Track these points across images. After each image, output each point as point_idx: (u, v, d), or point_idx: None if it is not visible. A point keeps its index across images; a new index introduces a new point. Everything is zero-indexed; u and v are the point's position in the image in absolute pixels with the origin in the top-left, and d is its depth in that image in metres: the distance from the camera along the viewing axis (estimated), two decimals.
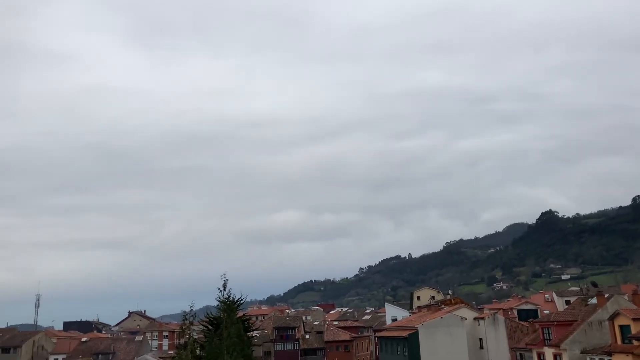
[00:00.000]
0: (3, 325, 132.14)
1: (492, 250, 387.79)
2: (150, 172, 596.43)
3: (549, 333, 54.43)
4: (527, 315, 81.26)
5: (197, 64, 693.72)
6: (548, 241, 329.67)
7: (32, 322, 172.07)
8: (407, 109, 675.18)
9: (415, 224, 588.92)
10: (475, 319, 70.74)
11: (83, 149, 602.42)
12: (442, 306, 78.34)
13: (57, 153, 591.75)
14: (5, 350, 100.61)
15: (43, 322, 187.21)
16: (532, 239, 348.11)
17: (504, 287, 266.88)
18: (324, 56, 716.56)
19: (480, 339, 68.86)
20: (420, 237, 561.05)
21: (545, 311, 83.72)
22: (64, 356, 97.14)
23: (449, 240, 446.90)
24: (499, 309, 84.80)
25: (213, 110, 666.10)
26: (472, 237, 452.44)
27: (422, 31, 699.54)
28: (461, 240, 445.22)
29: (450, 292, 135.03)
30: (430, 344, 65.37)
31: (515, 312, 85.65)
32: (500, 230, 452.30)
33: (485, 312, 79.91)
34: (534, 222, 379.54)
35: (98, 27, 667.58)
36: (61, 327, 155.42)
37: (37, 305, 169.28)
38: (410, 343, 66.92)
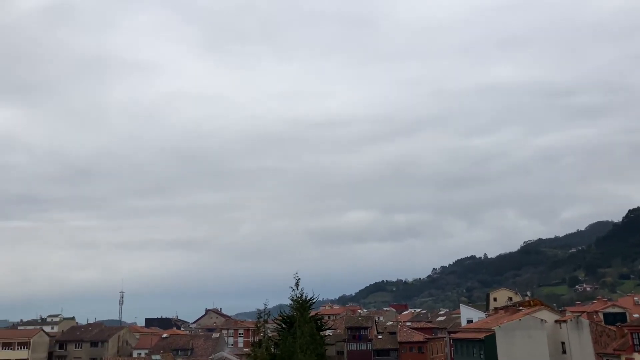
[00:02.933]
0: (91, 320, 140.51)
1: (573, 250, 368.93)
2: (224, 174, 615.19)
3: (639, 338, 50.98)
4: (615, 319, 76.61)
5: (267, 69, 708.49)
6: (636, 241, 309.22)
7: (117, 318, 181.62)
8: (480, 105, 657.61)
9: (490, 223, 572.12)
10: (556, 322, 67.44)
11: (162, 154, 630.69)
12: (521, 308, 75.28)
13: (139, 158, 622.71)
14: (94, 344, 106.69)
15: (126, 318, 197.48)
16: (618, 238, 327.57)
17: (588, 289, 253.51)
18: (392, 55, 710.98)
19: (563, 343, 65.56)
20: (496, 237, 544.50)
21: (634, 315, 78.54)
22: (146, 351, 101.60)
23: (526, 240, 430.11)
24: (583, 312, 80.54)
25: (284, 112, 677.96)
26: (552, 237, 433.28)
27: (493, 25, 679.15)
28: (540, 239, 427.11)
29: (528, 293, 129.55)
30: (508, 347, 62.96)
31: (601, 315, 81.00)
32: (583, 229, 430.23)
33: (567, 314, 76.12)
34: (620, 220, 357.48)
35: (175, 38, 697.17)
36: (143, 323, 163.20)
37: (121, 302, 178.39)
38: (487, 345, 64.78)
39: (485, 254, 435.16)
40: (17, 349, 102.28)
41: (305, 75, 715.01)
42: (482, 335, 66.96)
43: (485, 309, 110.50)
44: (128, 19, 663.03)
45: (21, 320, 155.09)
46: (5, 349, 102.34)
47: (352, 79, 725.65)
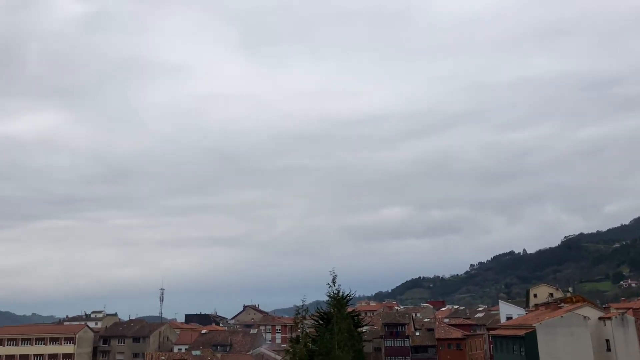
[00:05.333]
0: (133, 317, 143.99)
1: (617, 244, 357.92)
2: (259, 172, 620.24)
3: None
4: None
5: (300, 67, 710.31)
6: None
7: (157, 314, 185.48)
8: (517, 99, 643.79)
9: (529, 218, 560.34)
10: (600, 318, 65.59)
11: (199, 154, 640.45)
12: (562, 304, 73.55)
13: (176, 158, 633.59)
14: (136, 339, 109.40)
15: (167, 314, 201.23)
16: None
17: (633, 285, 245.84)
18: (426, 51, 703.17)
19: (607, 341, 63.79)
20: (536, 232, 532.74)
21: None
22: (186, 347, 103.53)
23: (567, 235, 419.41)
24: (628, 309, 77.97)
25: (317, 110, 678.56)
26: (594, 231, 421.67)
27: (529, 17, 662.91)
28: (581, 234, 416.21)
29: (570, 289, 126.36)
30: (550, 344, 61.64)
31: None
32: (627, 223, 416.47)
33: (611, 311, 73.92)
34: None
35: (209, 39, 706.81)
36: (183, 319, 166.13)
37: (161, 299, 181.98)
38: (527, 343, 63.61)
39: (524, 250, 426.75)
40: (64, 343, 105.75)
41: (338, 73, 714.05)
42: (522, 332, 65.78)
43: (525, 305, 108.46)
44: (163, 23, 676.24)
45: (67, 316, 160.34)
46: (52, 343, 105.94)
47: (385, 76, 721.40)
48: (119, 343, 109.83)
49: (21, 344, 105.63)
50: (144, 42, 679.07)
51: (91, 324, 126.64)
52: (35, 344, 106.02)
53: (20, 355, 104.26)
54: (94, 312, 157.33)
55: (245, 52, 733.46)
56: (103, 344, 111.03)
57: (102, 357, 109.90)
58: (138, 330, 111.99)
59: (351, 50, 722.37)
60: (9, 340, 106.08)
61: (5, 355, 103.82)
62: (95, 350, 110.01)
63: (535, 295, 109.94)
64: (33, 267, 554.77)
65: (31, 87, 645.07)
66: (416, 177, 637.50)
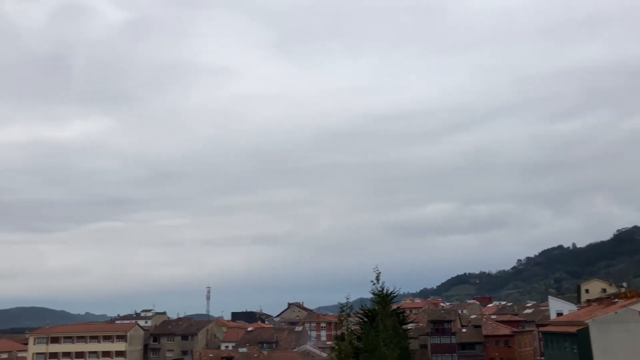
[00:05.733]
0: (181, 315, 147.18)
1: None
2: (300, 170, 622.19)
3: None
4: None
5: (338, 65, 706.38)
6: None
7: (204, 312, 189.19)
8: (564, 89, 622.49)
9: (578, 211, 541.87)
10: None
11: (240, 154, 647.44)
12: (616, 300, 70.96)
13: (218, 159, 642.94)
14: (184, 337, 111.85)
15: (213, 312, 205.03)
16: None
17: None
18: (466, 43, 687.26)
19: None
20: (586, 225, 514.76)
21: None
22: (233, 344, 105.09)
23: (620, 228, 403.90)
24: None
25: (357, 107, 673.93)
26: None
27: (575, 3, 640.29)
28: (635, 227, 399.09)
29: (624, 284, 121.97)
30: (604, 341, 59.55)
31: None
32: None
33: None
34: None
35: (247, 41, 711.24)
36: (229, 317, 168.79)
37: (208, 297, 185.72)
38: (580, 340, 61.70)
39: (573, 244, 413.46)
40: (116, 341, 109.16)
41: (377, 69, 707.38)
42: (574, 329, 63.85)
43: (577, 301, 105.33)
44: (203, 27, 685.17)
45: (118, 315, 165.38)
46: (105, 341, 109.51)
47: (426, 70, 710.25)
48: (168, 341, 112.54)
49: (76, 342, 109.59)
50: (186, 46, 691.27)
51: (141, 322, 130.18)
52: (90, 342, 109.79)
53: (76, 352, 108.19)
54: (143, 310, 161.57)
55: (283, 51, 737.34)
56: (153, 341, 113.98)
57: (153, 355, 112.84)
58: (186, 328, 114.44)
59: (390, 45, 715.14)
60: (65, 338, 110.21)
61: (62, 353, 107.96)
62: (145, 348, 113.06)
63: (587, 291, 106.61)
64: (85, 268, 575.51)
65: (79, 94, 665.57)
66: (460, 171, 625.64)
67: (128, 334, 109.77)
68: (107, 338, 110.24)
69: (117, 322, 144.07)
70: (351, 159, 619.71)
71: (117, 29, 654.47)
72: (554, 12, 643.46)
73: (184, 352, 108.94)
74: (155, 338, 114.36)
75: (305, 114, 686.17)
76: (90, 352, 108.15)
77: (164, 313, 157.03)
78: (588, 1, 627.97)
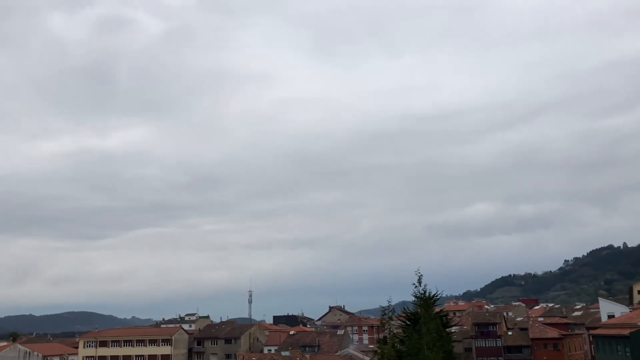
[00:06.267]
0: (224, 319, 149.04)
1: None
2: (340, 173, 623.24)
3: None
4: None
5: (376, 66, 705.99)
6: None
7: (247, 316, 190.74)
8: (611, 83, 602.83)
9: (629, 209, 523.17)
10: None
11: (280, 158, 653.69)
12: None
13: (259, 163, 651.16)
14: (228, 341, 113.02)
15: (255, 315, 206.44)
16: None
17: None
18: (507, 39, 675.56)
19: None
20: (637, 224, 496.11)
21: None
22: (276, 347, 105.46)
23: None
24: None
25: (396, 107, 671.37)
26: None
27: None
28: None
29: None
30: None
31: None
32: None
33: None
34: None
35: (284, 46, 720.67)
36: (271, 321, 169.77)
37: (250, 301, 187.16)
38: (633, 343, 59.24)
39: (624, 243, 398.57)
40: (162, 345, 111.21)
41: (416, 69, 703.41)
42: (627, 332, 61.40)
43: (629, 302, 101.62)
44: (242, 33, 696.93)
45: (163, 319, 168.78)
46: (151, 345, 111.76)
47: (465, 68, 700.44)
48: (212, 344, 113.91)
49: (123, 346, 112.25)
50: (225, 53, 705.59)
51: (185, 326, 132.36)
52: (136, 346, 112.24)
53: (123, 356, 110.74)
54: (187, 314, 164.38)
55: (321, 54, 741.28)
56: (197, 345, 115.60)
57: (197, 358, 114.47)
58: (229, 332, 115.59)
59: (428, 44, 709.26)
60: (113, 342, 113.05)
61: (110, 356, 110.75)
62: (190, 352, 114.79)
63: (639, 292, 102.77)
64: (130, 273, 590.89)
65: (123, 104, 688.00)
66: (503, 170, 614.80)
67: (173, 337, 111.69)
68: (152, 342, 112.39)
69: (162, 326, 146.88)
70: (391, 159, 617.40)
71: (157, 39, 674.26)
72: (597, 4, 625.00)
73: (228, 356, 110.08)
74: (199, 342, 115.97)
75: (345, 115, 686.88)
76: (137, 356, 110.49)
77: (208, 317, 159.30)
78: None
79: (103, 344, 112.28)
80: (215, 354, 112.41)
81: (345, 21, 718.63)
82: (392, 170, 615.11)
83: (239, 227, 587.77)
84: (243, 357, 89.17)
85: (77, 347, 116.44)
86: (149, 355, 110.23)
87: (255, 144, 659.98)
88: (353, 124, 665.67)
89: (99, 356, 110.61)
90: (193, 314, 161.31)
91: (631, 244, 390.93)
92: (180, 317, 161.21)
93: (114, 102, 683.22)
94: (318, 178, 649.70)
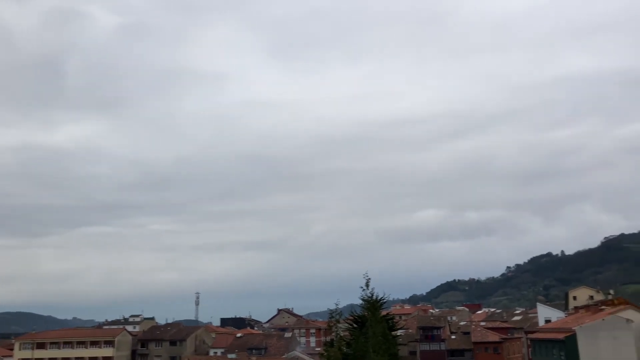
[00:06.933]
0: (169, 320, 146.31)
1: None
2: (297, 177, 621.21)
3: None
4: None
5: (337, 72, 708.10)
6: None
7: (193, 318, 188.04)
8: (557, 97, 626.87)
9: (568, 218, 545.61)
10: None
11: (236, 160, 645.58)
12: (603, 307, 71.56)
13: (214, 165, 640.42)
14: (173, 343, 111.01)
15: (202, 318, 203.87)
16: None
17: None
18: (463, 51, 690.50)
19: None
20: (574, 233, 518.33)
21: None
22: (222, 350, 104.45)
23: (607, 235, 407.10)
24: None
25: (355, 113, 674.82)
26: (636, 231, 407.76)
27: (568, 14, 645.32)
28: (622, 234, 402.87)
29: (611, 292, 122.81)
30: (592, 348, 60.03)
31: None
32: None
33: None
34: None
35: (245, 47, 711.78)
36: (218, 323, 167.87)
37: (197, 303, 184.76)
38: (567, 346, 62.09)
39: (562, 251, 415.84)
40: (104, 347, 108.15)
41: (376, 76, 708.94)
42: (562, 336, 64.28)
43: (564, 308, 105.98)
44: (200, 33, 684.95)
45: (106, 320, 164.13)
46: (93, 347, 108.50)
47: (423, 77, 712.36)
48: (156, 346, 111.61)
49: (63, 348, 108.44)
50: (182, 52, 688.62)
51: (129, 328, 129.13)
52: (77, 348, 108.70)
53: (62, 358, 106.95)
54: (132, 316, 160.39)
55: (281, 58, 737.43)
56: (141, 347, 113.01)
57: None
58: (175, 334, 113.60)
59: (388, 52, 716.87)
60: (51, 343, 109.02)
61: (49, 358, 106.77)
62: (133, 354, 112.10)
63: (574, 298, 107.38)
64: (75, 272, 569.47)
65: (74, 99, 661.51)
66: (452, 178, 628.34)
67: (116, 339, 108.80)
68: (94, 343, 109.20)
69: (104, 327, 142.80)
70: (348, 165, 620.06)
71: (111, 33, 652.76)
72: (548, 23, 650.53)
73: (173, 358, 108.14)
74: (143, 344, 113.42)
75: (304, 120, 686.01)
76: (76, 358, 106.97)
77: (153, 318, 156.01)
78: (582, 12, 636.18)
79: (40, 345, 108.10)
80: (160, 356, 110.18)
81: (307, 26, 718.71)
82: (348, 175, 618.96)
83: (190, 228, 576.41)
84: (188, 359, 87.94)
85: (12, 350, 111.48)
86: (89, 358, 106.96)
87: (211, 145, 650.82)
88: (312, 128, 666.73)
89: (35, 359, 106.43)
90: (138, 316, 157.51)
91: (569, 252, 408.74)
92: (124, 319, 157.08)
93: (64, 96, 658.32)
94: (274, 182, 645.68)
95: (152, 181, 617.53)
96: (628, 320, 61.46)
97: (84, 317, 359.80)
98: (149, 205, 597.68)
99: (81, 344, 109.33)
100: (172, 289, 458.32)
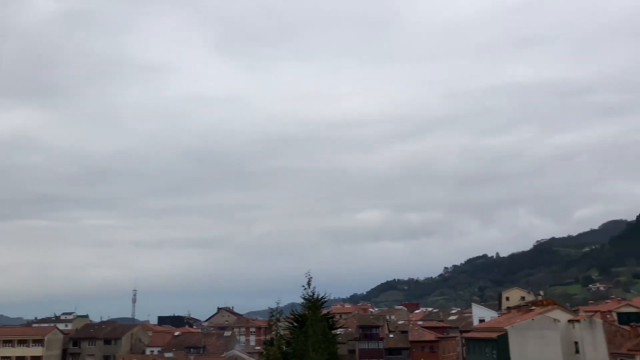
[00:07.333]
0: (104, 318, 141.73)
1: (587, 249, 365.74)
2: (241, 174, 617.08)
3: None
4: (629, 319, 75.69)
5: (285, 70, 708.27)
6: None
7: (130, 316, 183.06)
8: (496, 105, 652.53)
9: (503, 222, 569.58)
10: (569, 321, 66.91)
11: (180, 155, 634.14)
12: (533, 307, 74.86)
13: (156, 159, 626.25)
14: (107, 341, 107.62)
15: (140, 316, 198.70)
16: (633, 237, 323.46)
17: (601, 289, 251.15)
18: (410, 56, 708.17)
19: (576, 343, 65.05)
20: (509, 236, 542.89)
21: None
22: (159, 349, 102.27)
23: (539, 239, 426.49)
24: (596, 312, 79.79)
25: (301, 113, 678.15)
26: (565, 235, 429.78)
27: (509, 26, 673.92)
28: (553, 238, 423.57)
29: (541, 293, 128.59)
30: (521, 346, 62.64)
31: (614, 315, 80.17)
32: (596, 228, 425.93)
33: (580, 314, 75.47)
34: (635, 219, 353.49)
35: (192, 41, 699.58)
36: (156, 322, 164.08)
37: (134, 300, 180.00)
38: (499, 345, 64.51)
39: (497, 253, 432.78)
40: (32, 346, 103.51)
41: (322, 76, 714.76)
42: (494, 335, 66.69)
43: (498, 308, 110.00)
44: (145, 23, 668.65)
45: (35, 318, 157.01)
46: (20, 345, 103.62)
47: (369, 80, 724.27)
48: (89, 345, 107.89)
49: None
50: (126, 42, 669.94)
51: (61, 326, 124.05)
52: (3, 347, 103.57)
53: None
54: (64, 313, 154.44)
55: (230, 53, 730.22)
56: (73, 346, 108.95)
57: None
58: (109, 332, 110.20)
59: (336, 53, 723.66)
60: None
61: None
62: (64, 353, 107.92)
63: (507, 299, 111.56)
64: (3, 267, 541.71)
65: (7, 86, 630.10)
66: (395, 180, 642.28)
67: (46, 338, 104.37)
68: (22, 342, 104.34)
69: (34, 325, 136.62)
70: (294, 164, 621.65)
71: (52, 18, 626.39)
72: (489, 33, 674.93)
73: (106, 357, 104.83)
74: (76, 342, 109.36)
75: (250, 117, 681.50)
76: (3, 358, 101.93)
77: (87, 316, 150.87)
78: (523, 25, 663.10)
79: None
80: (93, 355, 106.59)
81: (257, 22, 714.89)
82: (294, 174, 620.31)
83: (128, 223, 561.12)
84: (123, 358, 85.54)
85: None
86: (16, 357, 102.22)
87: (154, 139, 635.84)
88: (258, 126, 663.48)
89: None
90: (70, 313, 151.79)
91: (503, 254, 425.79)
92: (55, 316, 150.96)
93: None
94: (218, 178, 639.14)
95: (90, 174, 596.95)
96: (555, 320, 64.52)
97: (12, 315, 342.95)
98: (85, 199, 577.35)
99: (8, 342, 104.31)
100: (109, 286, 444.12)
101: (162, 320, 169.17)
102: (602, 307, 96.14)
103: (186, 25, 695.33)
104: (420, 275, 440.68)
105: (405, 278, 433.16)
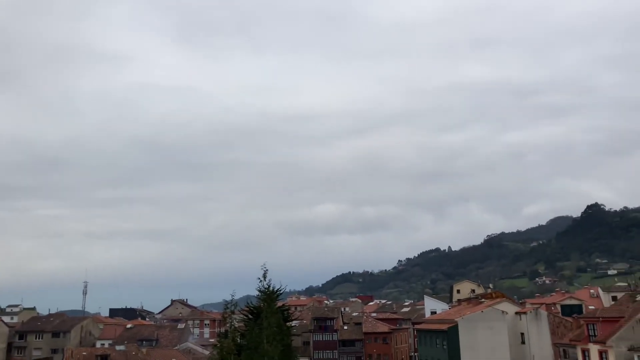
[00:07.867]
0: (53, 311, 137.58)
1: (534, 243, 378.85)
2: (196, 166, 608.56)
3: (594, 329, 53.00)
4: (571, 310, 79.26)
5: (241, 62, 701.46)
6: (594, 235, 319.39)
7: (80, 308, 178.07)
8: (451, 103, 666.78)
9: (456, 217, 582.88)
10: (516, 313, 69.47)
11: (133, 145, 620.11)
12: (483, 300, 77.23)
13: (109, 148, 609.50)
14: (55, 334, 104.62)
15: (90, 308, 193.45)
16: (577, 233, 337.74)
17: (547, 282, 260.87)
18: (367, 52, 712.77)
19: (522, 334, 67.60)
20: (461, 231, 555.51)
21: (590, 307, 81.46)
22: (110, 342, 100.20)
23: (490, 234, 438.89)
24: (542, 304, 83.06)
25: (257, 105, 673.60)
26: (514, 230, 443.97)
27: (467, 26, 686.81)
28: (502, 233, 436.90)
29: (491, 285, 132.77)
30: (471, 337, 64.61)
31: (558, 307, 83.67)
32: (544, 224, 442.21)
33: (527, 306, 78.42)
34: (579, 215, 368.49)
35: (148, 29, 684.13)
36: (107, 314, 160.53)
37: (84, 292, 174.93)
38: (450, 336, 66.30)
39: (449, 247, 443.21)
40: None
41: (279, 70, 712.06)
42: (445, 327, 68.47)
43: (449, 300, 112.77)
44: (100, 9, 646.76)
45: None
46: None
47: (326, 75, 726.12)
48: (36, 338, 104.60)
49: None
50: (80, 28, 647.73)
51: (6, 319, 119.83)
52: None
53: None
54: (9, 306, 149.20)
55: (185, 43, 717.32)
56: (19, 339, 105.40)
57: (18, 353, 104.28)
58: (58, 325, 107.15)
59: (294, 47, 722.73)
60: None
61: None
62: (10, 346, 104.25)
63: (458, 291, 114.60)
64: None
65: None
66: (352, 174, 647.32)
67: None
68: None
69: None
70: (249, 156, 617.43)
71: (3, 3, 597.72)
72: (446, 32, 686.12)
73: (54, 351, 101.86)
74: (22, 335, 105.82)
75: (206, 108, 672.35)
76: None
77: (34, 309, 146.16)
78: (476, 25, 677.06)
79: None
80: (40, 348, 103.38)
81: (213, 13, 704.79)
82: (250, 167, 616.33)
83: (79, 214, 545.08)
84: (72, 351, 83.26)
85: None
86: None
87: (107, 128, 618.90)
88: (214, 117, 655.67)
89: None
90: (16, 305, 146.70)
91: (455, 247, 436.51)
92: (0, 309, 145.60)
93: None
94: (172, 169, 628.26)
95: (38, 162, 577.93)
96: (503, 312, 66.82)
97: None
98: (35, 188, 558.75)
99: None
100: (58, 278, 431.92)
101: (113, 312, 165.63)
102: (547, 299, 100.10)
103: (142, 14, 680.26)
104: (375, 268, 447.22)
105: (361, 271, 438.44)
